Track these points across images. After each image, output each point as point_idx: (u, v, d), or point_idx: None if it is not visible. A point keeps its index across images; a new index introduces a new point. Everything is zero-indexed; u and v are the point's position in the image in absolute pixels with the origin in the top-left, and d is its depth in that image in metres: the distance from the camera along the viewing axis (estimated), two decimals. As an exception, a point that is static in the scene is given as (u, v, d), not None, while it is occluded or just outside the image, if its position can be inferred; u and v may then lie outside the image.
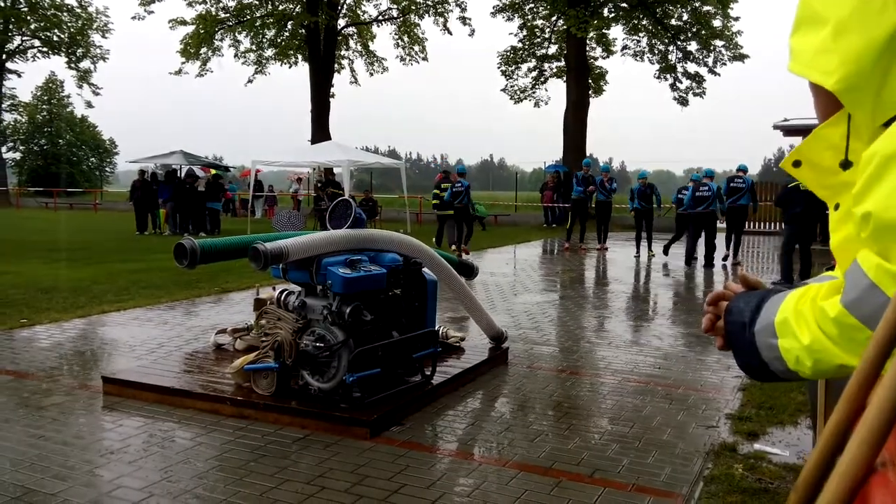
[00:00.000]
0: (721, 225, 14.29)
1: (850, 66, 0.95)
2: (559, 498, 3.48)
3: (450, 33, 31.68)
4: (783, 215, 11.92)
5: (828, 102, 1.02)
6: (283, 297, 4.79)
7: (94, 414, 4.65)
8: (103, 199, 38.53)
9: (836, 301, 0.96)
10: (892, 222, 0.85)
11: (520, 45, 31.19)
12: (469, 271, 6.62)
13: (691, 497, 3.53)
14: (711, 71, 29.66)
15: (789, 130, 20.56)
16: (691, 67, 30.08)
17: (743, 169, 14.92)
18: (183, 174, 21.74)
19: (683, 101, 30.51)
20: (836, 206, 1.04)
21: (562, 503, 3.43)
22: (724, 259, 14.43)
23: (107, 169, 55.78)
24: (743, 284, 1.24)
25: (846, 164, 1.01)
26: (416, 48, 33.19)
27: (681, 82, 30.38)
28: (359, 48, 34.39)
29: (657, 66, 30.44)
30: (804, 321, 1.02)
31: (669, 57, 30.18)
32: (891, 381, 0.66)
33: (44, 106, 50.50)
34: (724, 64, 29.38)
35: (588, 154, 29.48)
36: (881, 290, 0.88)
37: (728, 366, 5.92)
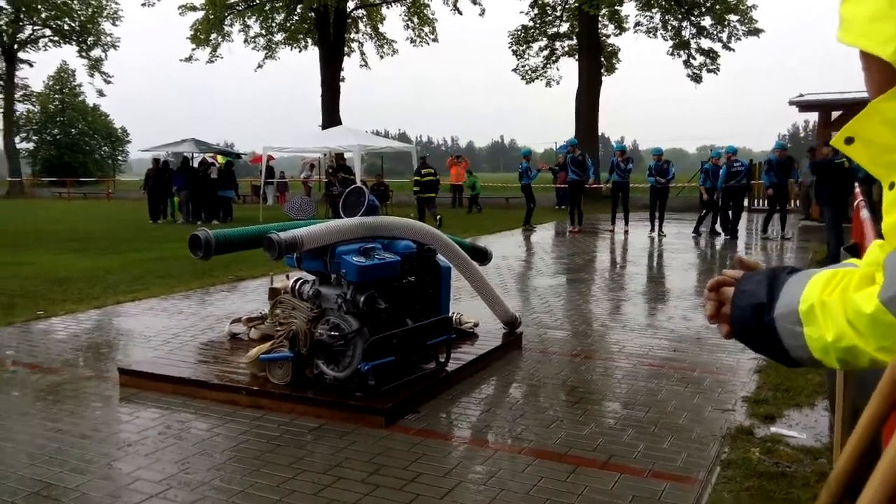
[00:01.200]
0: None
1: None
2: (575, 485, 3.48)
3: (460, 13, 31.50)
4: (818, 191, 11.43)
5: (882, 75, 0.96)
6: (297, 287, 4.79)
7: (110, 406, 4.69)
8: (116, 188, 38.73)
9: (873, 295, 0.93)
10: None
11: (531, 23, 30.87)
12: (482, 257, 6.59)
13: (708, 482, 3.51)
14: (726, 46, 29.29)
15: (805, 106, 20.24)
16: (705, 43, 29.75)
17: (781, 147, 15.18)
18: (196, 162, 21.77)
19: (697, 78, 30.18)
20: (892, 185, 0.98)
21: (578, 490, 3.42)
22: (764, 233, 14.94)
23: (119, 157, 55.97)
24: (741, 268, 1.21)
25: None
26: (427, 29, 33.03)
27: (694, 59, 30.05)
28: (368, 31, 34.27)
29: (670, 43, 30.08)
30: (833, 312, 0.99)
31: (683, 33, 29.80)
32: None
33: (56, 95, 50.65)
34: (739, 39, 29.01)
35: (600, 133, 29.24)
36: None
37: (743, 347, 5.85)
